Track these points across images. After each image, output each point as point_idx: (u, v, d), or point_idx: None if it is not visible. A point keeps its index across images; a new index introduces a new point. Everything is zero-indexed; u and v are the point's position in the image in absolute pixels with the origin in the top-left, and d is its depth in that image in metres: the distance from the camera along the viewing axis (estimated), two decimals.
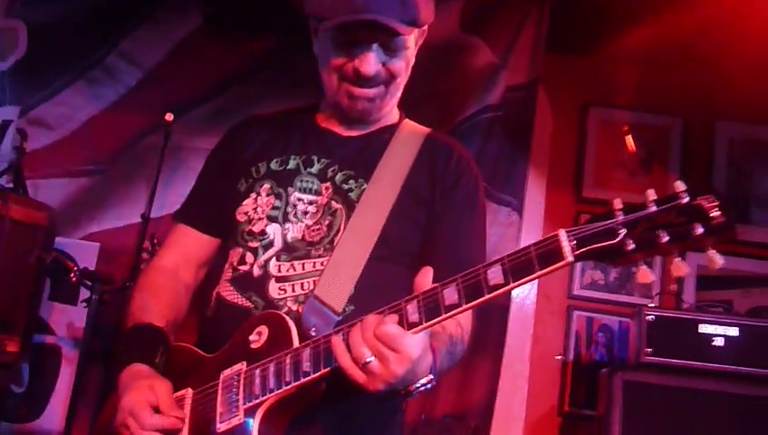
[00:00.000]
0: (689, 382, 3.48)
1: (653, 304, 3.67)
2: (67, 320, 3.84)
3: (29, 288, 3.39)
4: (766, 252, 4.27)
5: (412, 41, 1.74)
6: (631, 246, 1.24)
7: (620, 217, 1.25)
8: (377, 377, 1.33)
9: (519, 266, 1.30)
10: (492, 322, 3.87)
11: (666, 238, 1.22)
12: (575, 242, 1.27)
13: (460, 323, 1.60)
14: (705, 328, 3.56)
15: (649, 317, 3.58)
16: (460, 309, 1.33)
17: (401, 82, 1.76)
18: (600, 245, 1.26)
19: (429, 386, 1.42)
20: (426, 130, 1.85)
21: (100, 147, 4.05)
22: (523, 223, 4.01)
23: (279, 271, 1.64)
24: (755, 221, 4.34)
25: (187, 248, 1.86)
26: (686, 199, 1.22)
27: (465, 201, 1.75)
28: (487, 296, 1.32)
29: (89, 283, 3.33)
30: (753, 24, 3.72)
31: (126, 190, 3.98)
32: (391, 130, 1.81)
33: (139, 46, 4.12)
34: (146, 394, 1.53)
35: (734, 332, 3.54)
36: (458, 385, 3.78)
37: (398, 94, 1.79)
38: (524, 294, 4.17)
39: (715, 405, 3.43)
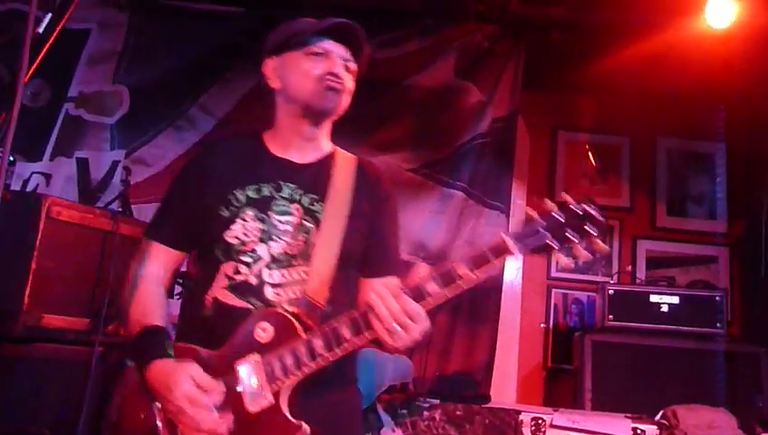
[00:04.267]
0: (642, 340, 3.55)
1: (613, 281, 3.68)
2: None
3: None
4: (699, 238, 4.23)
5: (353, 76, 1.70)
6: (553, 243, 1.41)
7: (541, 223, 1.43)
8: (401, 339, 1.44)
9: (479, 260, 1.43)
10: (489, 300, 3.85)
11: (572, 234, 1.41)
12: (513, 241, 1.43)
13: None
14: (654, 298, 3.62)
15: (610, 291, 3.64)
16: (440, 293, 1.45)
17: (346, 102, 1.68)
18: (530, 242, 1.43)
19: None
20: (353, 157, 1.77)
21: None
22: (509, 223, 4.02)
23: (272, 278, 1.58)
24: (690, 215, 4.30)
25: (162, 261, 1.71)
26: (577, 208, 1.41)
27: (391, 212, 1.78)
28: (458, 282, 1.43)
29: (180, 280, 3.41)
30: (683, 62, 3.72)
31: None
32: (331, 157, 1.73)
33: (213, 101, 4.14)
34: (191, 383, 1.46)
35: (675, 300, 3.61)
36: (465, 349, 3.73)
37: (336, 116, 1.70)
38: (513, 277, 4.16)
39: (662, 356, 3.50)
